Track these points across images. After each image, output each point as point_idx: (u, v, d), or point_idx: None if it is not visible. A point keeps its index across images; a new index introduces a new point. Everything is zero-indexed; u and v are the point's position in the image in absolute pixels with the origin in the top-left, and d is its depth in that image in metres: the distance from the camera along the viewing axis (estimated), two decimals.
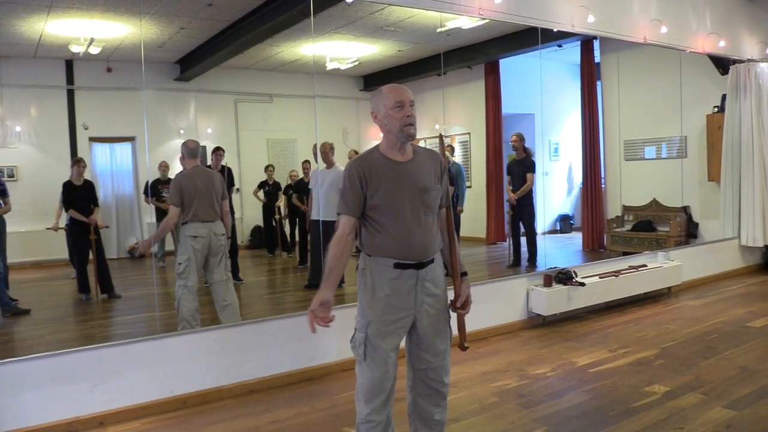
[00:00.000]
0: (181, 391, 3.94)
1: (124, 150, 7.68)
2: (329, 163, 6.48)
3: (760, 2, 7.87)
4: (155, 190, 7.09)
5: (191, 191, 4.68)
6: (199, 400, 3.99)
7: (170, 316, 5.45)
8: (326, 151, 6.46)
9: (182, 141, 7.93)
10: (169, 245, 7.22)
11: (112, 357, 3.78)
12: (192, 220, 4.69)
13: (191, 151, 4.84)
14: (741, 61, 7.65)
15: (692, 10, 7.12)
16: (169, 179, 7.19)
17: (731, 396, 3.81)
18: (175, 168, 7.49)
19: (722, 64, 7.80)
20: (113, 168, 7.65)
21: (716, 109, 8.14)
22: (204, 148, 7.91)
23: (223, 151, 6.20)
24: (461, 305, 2.66)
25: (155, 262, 6.96)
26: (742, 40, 7.67)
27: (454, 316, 2.73)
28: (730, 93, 7.75)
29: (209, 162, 6.37)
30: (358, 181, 2.52)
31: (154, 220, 7.20)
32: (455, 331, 2.73)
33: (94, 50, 6.76)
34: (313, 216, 6.55)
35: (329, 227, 6.40)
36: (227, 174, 6.22)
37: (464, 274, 2.70)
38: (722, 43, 7.34)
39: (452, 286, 2.68)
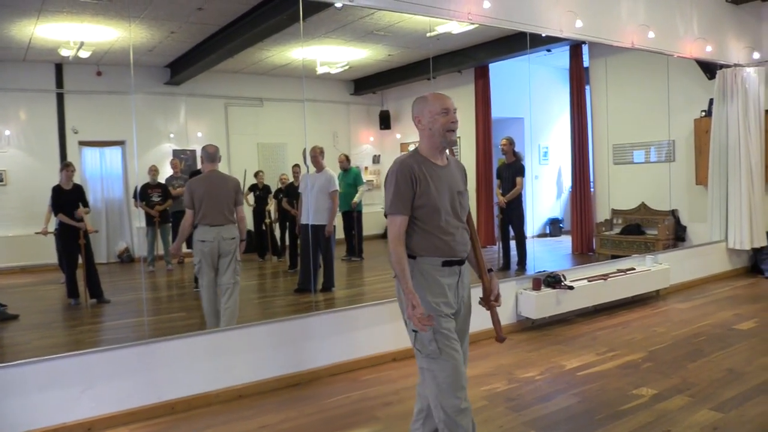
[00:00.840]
0: (169, 397, 3.93)
1: (113, 154, 7.64)
2: (319, 167, 6.50)
3: (746, 8, 7.95)
4: (144, 194, 7.07)
5: (201, 195, 4.82)
6: (186, 406, 3.98)
7: (159, 321, 5.45)
8: (316, 155, 6.48)
9: (172, 145, 8.00)
10: (159, 249, 7.20)
11: (100, 362, 3.77)
12: (201, 224, 4.84)
13: (210, 155, 5.00)
14: (728, 66, 7.72)
15: (680, 15, 7.18)
16: (160, 183, 7.19)
17: (718, 398, 3.84)
18: (165, 172, 7.50)
19: (709, 68, 7.87)
20: (103, 172, 7.61)
21: (704, 114, 8.21)
22: (194, 152, 7.93)
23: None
24: (495, 299, 2.82)
25: (144, 266, 6.94)
26: (729, 45, 7.74)
27: (480, 310, 2.90)
28: (717, 97, 7.82)
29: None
30: (411, 181, 2.65)
31: (143, 224, 7.18)
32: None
33: (84, 54, 6.74)
34: (303, 220, 6.55)
35: (319, 231, 6.41)
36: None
37: (490, 270, 2.86)
38: (709, 48, 7.40)
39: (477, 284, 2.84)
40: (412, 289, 2.61)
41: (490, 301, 2.82)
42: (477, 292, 2.84)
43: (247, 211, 8.09)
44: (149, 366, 3.91)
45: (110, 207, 7.63)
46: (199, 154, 5.14)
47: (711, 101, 7.99)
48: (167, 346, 4.00)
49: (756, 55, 7.91)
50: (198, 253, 4.86)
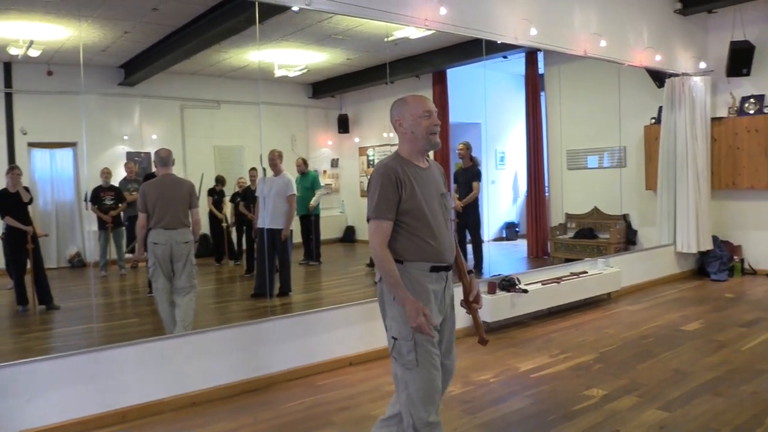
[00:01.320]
0: (120, 405, 3.85)
1: (64, 156, 7.46)
2: (277, 171, 6.47)
3: (693, 19, 8.23)
4: (97, 197, 6.91)
5: (154, 199, 4.82)
6: (138, 414, 3.90)
7: (110, 328, 5.33)
8: (275, 159, 6.46)
9: (126, 147, 7.84)
10: (112, 254, 7.05)
11: (48, 370, 3.67)
12: (154, 227, 4.84)
13: (163, 159, 4.99)
14: (676, 75, 7.98)
15: (630, 25, 7.39)
16: (112, 186, 7.04)
17: (665, 398, 3.96)
18: (118, 175, 7.34)
19: (659, 77, 8.12)
20: (53, 174, 7.42)
21: (653, 121, 8.47)
22: (148, 154, 7.78)
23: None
24: (474, 299, 2.78)
25: (95, 271, 6.78)
26: (677, 55, 8.01)
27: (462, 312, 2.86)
28: (666, 105, 8.07)
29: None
30: (396, 185, 2.58)
31: (96, 228, 7.01)
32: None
33: (34, 53, 6.56)
34: (260, 224, 6.50)
35: (275, 235, 6.38)
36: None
37: (470, 271, 2.82)
38: (658, 58, 7.64)
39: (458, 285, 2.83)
40: (407, 294, 2.54)
41: (470, 302, 2.78)
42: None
43: (203, 215, 8.04)
44: (99, 374, 3.82)
45: (61, 210, 7.44)
46: (153, 157, 5.09)
47: (660, 109, 8.25)
48: (118, 353, 3.92)
49: (702, 65, 8.20)
50: (151, 256, 4.85)
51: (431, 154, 2.97)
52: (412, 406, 2.59)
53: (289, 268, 6.53)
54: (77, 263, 7.35)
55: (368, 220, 2.63)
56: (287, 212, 6.43)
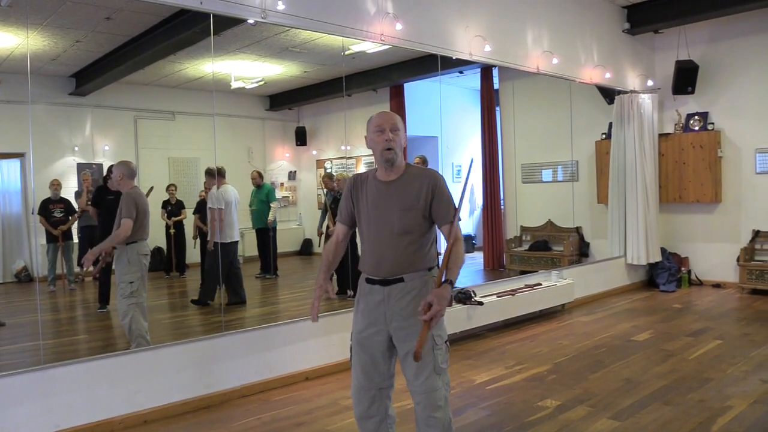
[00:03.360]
0: (67, 425, 3.72)
1: (11, 167, 7.22)
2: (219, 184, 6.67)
3: (640, 39, 8.53)
4: (45, 209, 6.71)
5: (144, 210, 4.82)
6: None
7: (59, 345, 5.16)
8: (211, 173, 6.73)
9: (76, 158, 7.64)
10: (61, 268, 6.85)
11: None
12: (142, 239, 4.82)
13: (132, 171, 4.96)
14: (625, 92, 8.24)
15: (580, 43, 7.61)
16: (62, 198, 6.85)
17: (616, 407, 4.05)
18: (69, 186, 7.15)
19: (608, 94, 8.36)
20: (0, 186, 7.18)
21: (604, 136, 8.71)
22: (101, 165, 7.60)
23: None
24: (422, 308, 2.44)
25: (43, 286, 6.57)
26: (626, 73, 8.27)
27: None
28: (615, 121, 8.32)
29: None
30: (349, 193, 2.82)
31: (44, 241, 6.81)
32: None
33: None
34: (218, 237, 6.55)
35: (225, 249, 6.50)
36: None
37: (446, 281, 2.49)
38: (608, 75, 7.87)
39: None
40: (317, 286, 2.74)
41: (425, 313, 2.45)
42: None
43: (158, 227, 7.90)
44: (45, 393, 3.69)
45: (7, 223, 7.19)
46: (105, 168, 4.99)
47: (611, 125, 8.49)
48: (65, 371, 3.80)
49: (650, 83, 8.49)
50: (140, 269, 4.75)
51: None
52: None
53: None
54: (24, 278, 7.10)
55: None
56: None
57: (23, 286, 6.99)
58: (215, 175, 6.71)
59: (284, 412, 4.16)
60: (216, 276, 6.57)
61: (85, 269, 5.02)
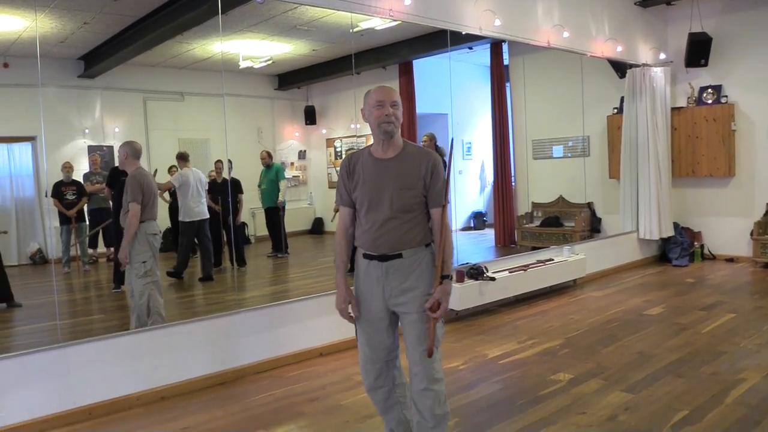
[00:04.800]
0: (85, 402, 3.78)
1: (23, 150, 7.26)
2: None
3: (653, 11, 8.39)
4: (58, 192, 6.76)
5: (150, 190, 4.82)
6: (105, 410, 3.84)
7: (75, 324, 5.23)
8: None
9: (87, 141, 7.66)
10: (75, 249, 6.91)
11: (11, 369, 3.59)
12: (151, 219, 4.83)
13: (136, 151, 4.94)
14: (637, 66, 8.13)
15: (592, 16, 7.50)
16: (74, 181, 6.89)
17: (629, 380, 4.05)
18: (80, 169, 7.19)
19: (620, 67, 8.26)
20: (12, 169, 7.22)
21: (615, 110, 8.62)
22: (111, 148, 7.63)
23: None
24: (429, 306, 2.62)
25: (58, 268, 6.64)
26: (638, 46, 8.15)
27: None
28: (627, 95, 8.22)
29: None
30: (346, 173, 2.78)
31: (57, 224, 6.86)
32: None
33: None
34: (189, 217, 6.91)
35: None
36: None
37: (446, 276, 2.64)
38: (620, 48, 7.77)
39: None
40: (338, 281, 2.80)
41: (430, 311, 2.63)
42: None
43: (165, 209, 7.94)
44: (63, 371, 3.75)
45: (21, 206, 7.25)
46: (126, 149, 4.95)
47: (622, 99, 8.40)
48: (83, 350, 3.85)
49: (662, 56, 8.37)
50: (150, 248, 4.77)
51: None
52: None
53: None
54: (39, 260, 7.18)
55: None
56: None
57: (38, 268, 7.07)
58: (185, 159, 6.96)
59: (298, 387, 4.20)
60: (181, 252, 6.98)
61: (123, 268, 5.06)
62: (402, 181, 2.65)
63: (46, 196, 6.75)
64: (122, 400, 3.92)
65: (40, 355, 3.71)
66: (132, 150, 4.89)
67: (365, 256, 2.74)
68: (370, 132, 2.77)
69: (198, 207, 6.93)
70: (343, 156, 8.72)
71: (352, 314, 2.79)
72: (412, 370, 2.73)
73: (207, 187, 7.25)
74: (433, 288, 2.65)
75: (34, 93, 6.22)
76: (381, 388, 2.85)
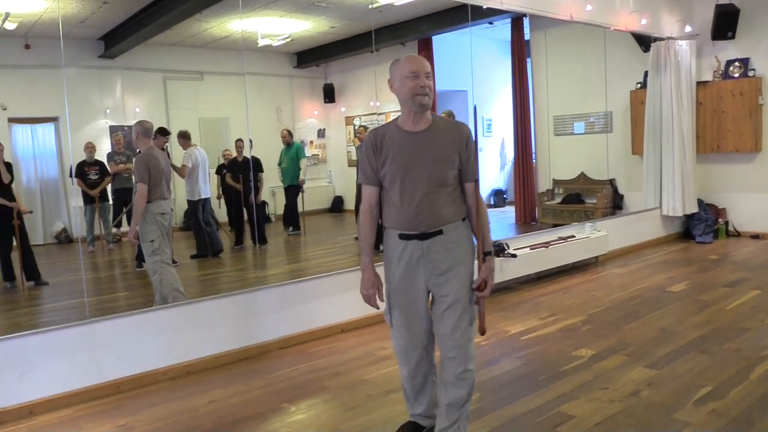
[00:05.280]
0: (113, 376, 3.86)
1: (46, 131, 7.35)
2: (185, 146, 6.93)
3: None
4: (81, 172, 6.84)
5: (157, 170, 4.83)
6: (133, 385, 3.92)
7: (101, 302, 5.32)
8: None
9: (109, 121, 7.73)
10: (99, 229, 7.00)
11: (40, 344, 3.67)
12: (158, 198, 4.84)
13: (147, 131, 4.96)
14: (661, 39, 7.96)
15: None
16: (97, 161, 6.96)
17: (652, 356, 4.03)
18: (103, 149, 7.26)
19: (644, 41, 8.10)
20: (36, 150, 7.32)
21: (639, 85, 8.47)
22: (132, 128, 7.69)
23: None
24: (477, 286, 2.63)
25: (84, 246, 6.74)
26: (663, 19, 7.98)
27: None
28: (651, 69, 8.07)
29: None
30: (372, 150, 2.61)
31: (81, 203, 6.96)
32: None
33: (10, 26, 6.42)
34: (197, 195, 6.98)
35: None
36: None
37: (488, 253, 2.64)
38: (644, 21, 7.61)
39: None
40: (365, 264, 2.67)
41: (473, 288, 2.63)
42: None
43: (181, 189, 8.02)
44: (92, 346, 3.82)
45: (45, 186, 7.36)
46: (136, 128, 5.00)
47: (646, 73, 8.24)
48: (110, 325, 3.92)
49: (688, 29, 8.18)
50: (158, 228, 4.80)
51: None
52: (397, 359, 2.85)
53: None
54: (64, 239, 7.30)
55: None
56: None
57: (63, 247, 7.19)
58: (188, 138, 6.96)
59: (321, 363, 4.25)
60: (197, 231, 7.04)
61: (134, 245, 5.15)
62: (438, 154, 2.57)
63: (70, 176, 6.84)
64: (149, 375, 3.99)
65: (70, 331, 3.78)
66: (142, 129, 4.93)
67: (402, 236, 2.60)
68: (390, 110, 2.75)
69: (205, 186, 7.03)
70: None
71: (378, 299, 2.70)
72: (447, 354, 2.65)
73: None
74: (477, 266, 2.61)
75: (55, 74, 6.27)
76: (420, 373, 2.77)
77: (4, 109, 6.89)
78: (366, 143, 2.64)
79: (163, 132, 6.22)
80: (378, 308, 2.76)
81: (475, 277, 2.66)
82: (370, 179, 2.64)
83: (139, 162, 4.82)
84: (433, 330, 2.71)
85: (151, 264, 4.80)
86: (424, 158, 2.56)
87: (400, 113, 2.66)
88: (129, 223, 6.79)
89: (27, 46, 7.02)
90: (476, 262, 2.67)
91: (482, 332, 2.66)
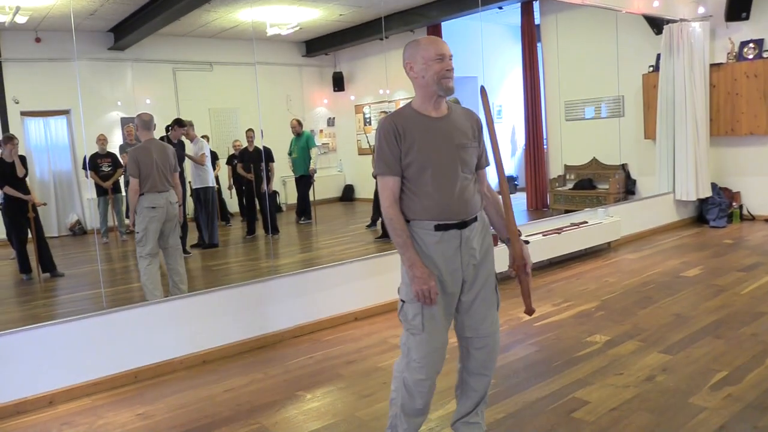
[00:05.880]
0: (131, 366, 3.91)
1: (59, 124, 7.41)
2: (191, 138, 7.00)
3: None
4: (94, 164, 6.89)
5: (147, 163, 4.82)
6: (151, 374, 3.97)
7: (116, 292, 5.38)
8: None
9: (120, 113, 7.76)
10: (112, 220, 7.06)
11: (59, 335, 3.71)
12: (149, 192, 4.84)
13: (145, 123, 4.97)
14: (674, 21, 7.86)
15: None
16: (109, 153, 7.00)
17: (666, 342, 4.02)
18: (114, 141, 7.30)
19: (656, 24, 8.01)
20: (48, 143, 7.38)
21: (651, 69, 8.39)
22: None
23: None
24: (522, 266, 2.57)
25: (98, 238, 6.80)
26: (675, 0, 7.87)
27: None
28: (664, 52, 7.98)
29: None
30: (393, 137, 2.41)
31: (94, 195, 7.01)
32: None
33: (21, 19, 6.44)
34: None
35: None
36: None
37: (519, 234, 2.61)
38: (656, 3, 7.51)
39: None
40: (413, 257, 2.40)
41: (520, 271, 2.57)
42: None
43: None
44: (110, 336, 3.87)
45: (58, 179, 7.42)
46: (135, 121, 5.03)
47: (658, 56, 8.15)
48: (127, 315, 3.96)
49: (701, 10, 8.07)
50: (146, 221, 4.80)
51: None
52: (408, 370, 2.51)
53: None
54: (78, 231, 7.37)
55: (374, 177, 2.51)
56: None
57: (77, 238, 7.26)
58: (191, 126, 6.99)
59: (335, 351, 4.27)
60: (203, 221, 7.14)
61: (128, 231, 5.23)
62: (460, 140, 2.49)
63: (83, 168, 6.88)
64: (166, 364, 4.04)
65: (88, 321, 3.83)
66: (140, 122, 4.96)
67: (438, 227, 2.43)
68: (400, 97, 2.68)
69: (211, 174, 7.16)
70: (374, 121, 8.63)
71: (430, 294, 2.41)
72: (477, 344, 2.59)
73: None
74: (516, 249, 2.57)
75: (66, 67, 6.30)
76: (434, 386, 2.58)
77: (17, 103, 6.95)
78: (385, 131, 2.43)
79: (180, 123, 6.25)
80: (435, 303, 2.43)
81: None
82: (394, 169, 2.42)
83: (129, 156, 4.86)
84: (458, 321, 2.61)
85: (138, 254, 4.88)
86: (450, 145, 2.46)
87: (414, 97, 2.55)
88: None
89: (38, 40, 7.06)
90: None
91: (531, 312, 2.62)
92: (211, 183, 7.14)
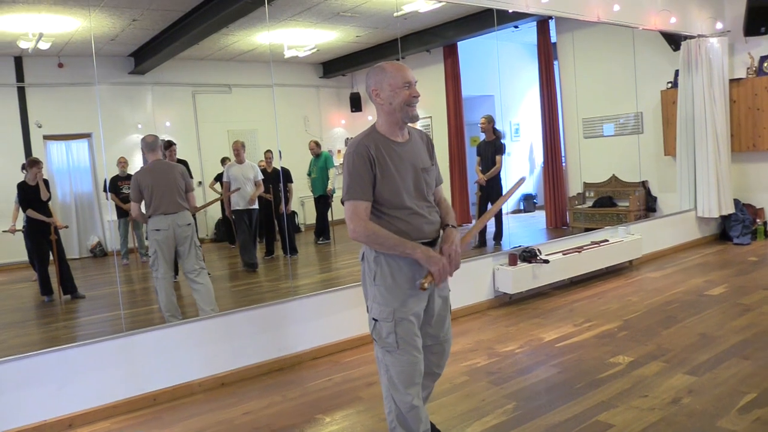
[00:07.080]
0: (150, 388, 3.91)
1: (80, 147, 7.50)
2: (240, 160, 7.05)
3: None
4: (115, 186, 6.96)
5: (150, 186, 4.82)
6: (169, 396, 3.96)
7: (136, 314, 5.39)
8: (238, 149, 7.04)
9: (141, 135, 7.85)
10: (133, 242, 7.12)
11: (78, 358, 3.73)
12: (154, 214, 4.84)
13: (149, 145, 4.99)
14: (692, 37, 7.81)
15: None
16: (129, 175, 7.07)
17: (692, 362, 3.94)
18: (135, 163, 7.37)
19: (674, 40, 7.96)
20: (70, 166, 7.47)
21: (670, 85, 8.33)
22: (164, 142, 7.81)
23: (175, 145, 6.42)
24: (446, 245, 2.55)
25: (118, 260, 6.85)
26: (693, 16, 7.83)
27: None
28: (682, 68, 7.92)
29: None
30: (368, 163, 2.45)
31: (115, 217, 7.08)
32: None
33: (44, 45, 6.57)
34: (234, 206, 7.15)
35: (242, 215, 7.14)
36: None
37: (448, 225, 2.67)
38: (673, 20, 7.48)
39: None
40: (415, 244, 2.46)
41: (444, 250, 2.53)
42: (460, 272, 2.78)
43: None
44: (129, 359, 3.87)
45: (80, 201, 7.50)
46: (140, 144, 5.08)
47: (677, 72, 8.10)
48: (146, 338, 3.97)
49: (719, 26, 8.01)
50: (153, 244, 4.83)
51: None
52: (393, 389, 2.59)
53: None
54: (99, 253, 7.43)
55: (342, 203, 2.52)
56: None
57: (98, 260, 7.31)
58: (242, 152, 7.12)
59: (355, 372, 4.24)
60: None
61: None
62: (422, 163, 2.61)
63: (104, 190, 6.96)
64: (185, 387, 4.03)
65: (108, 344, 3.84)
66: (144, 144, 5.00)
67: None
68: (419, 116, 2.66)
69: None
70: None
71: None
72: (436, 350, 2.78)
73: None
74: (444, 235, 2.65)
75: (87, 91, 6.40)
76: (422, 405, 2.68)
77: (40, 127, 7.06)
78: (358, 155, 2.45)
79: (169, 145, 6.38)
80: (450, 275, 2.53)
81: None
82: (367, 194, 2.46)
83: (132, 181, 4.90)
84: (422, 332, 2.67)
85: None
86: (417, 169, 2.57)
87: (377, 121, 2.58)
88: None
89: (60, 65, 7.18)
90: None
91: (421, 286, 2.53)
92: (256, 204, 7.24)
